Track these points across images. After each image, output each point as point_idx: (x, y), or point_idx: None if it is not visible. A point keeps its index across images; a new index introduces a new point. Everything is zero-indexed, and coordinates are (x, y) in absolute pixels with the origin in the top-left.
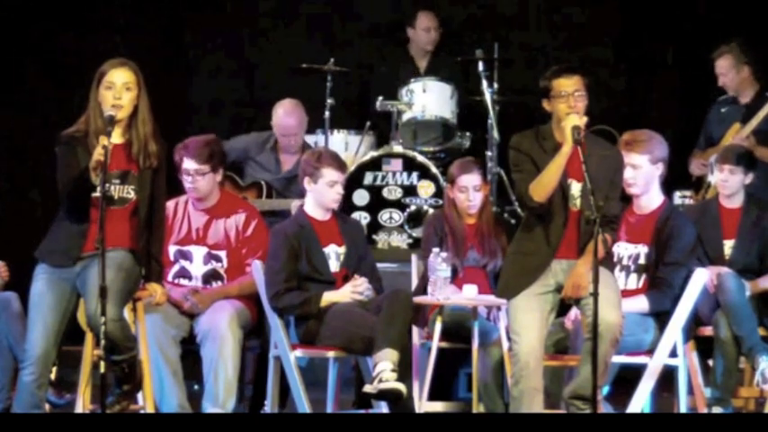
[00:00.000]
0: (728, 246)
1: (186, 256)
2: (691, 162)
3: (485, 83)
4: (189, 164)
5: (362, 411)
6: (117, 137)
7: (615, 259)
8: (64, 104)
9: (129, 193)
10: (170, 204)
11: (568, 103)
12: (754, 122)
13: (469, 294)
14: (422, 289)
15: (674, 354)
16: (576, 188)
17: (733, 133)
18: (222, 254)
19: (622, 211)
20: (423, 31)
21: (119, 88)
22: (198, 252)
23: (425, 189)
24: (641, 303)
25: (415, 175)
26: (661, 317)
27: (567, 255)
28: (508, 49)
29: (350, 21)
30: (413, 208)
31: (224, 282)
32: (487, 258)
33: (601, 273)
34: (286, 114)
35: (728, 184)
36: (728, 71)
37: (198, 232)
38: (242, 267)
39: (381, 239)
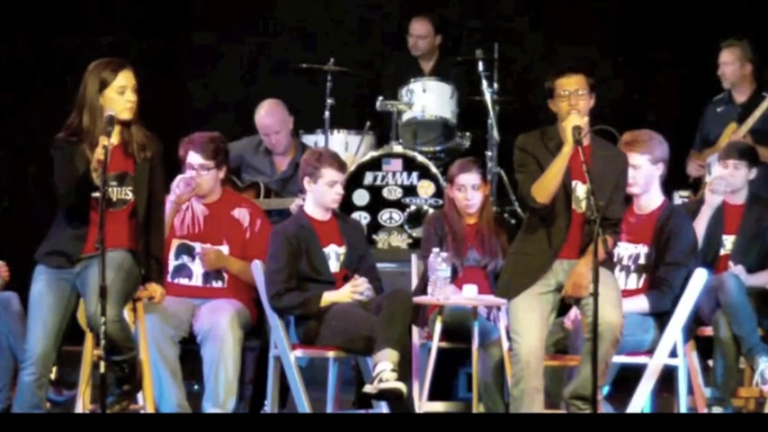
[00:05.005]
0: (729, 241)
1: (190, 251)
2: (688, 163)
3: (485, 83)
4: (194, 158)
5: (362, 411)
6: (113, 138)
7: (615, 259)
8: (64, 105)
9: (128, 194)
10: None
11: (569, 102)
12: (751, 122)
13: (469, 294)
14: (422, 289)
15: (674, 354)
16: (580, 190)
17: (729, 133)
18: (223, 251)
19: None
20: (410, 38)
21: (130, 91)
22: (200, 249)
23: (425, 189)
24: (641, 303)
25: (415, 175)
26: (661, 317)
27: (569, 255)
28: (508, 50)
29: (354, 21)
30: (413, 208)
31: (224, 282)
32: (488, 258)
33: (601, 273)
34: (266, 114)
35: (733, 179)
36: (733, 63)
37: (200, 227)
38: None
39: (381, 239)
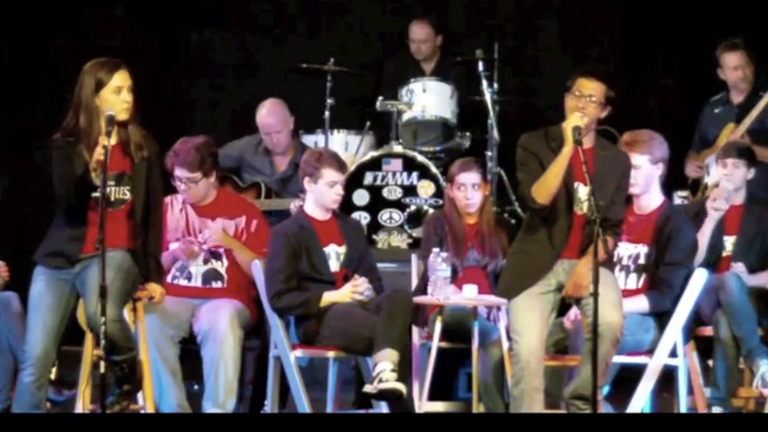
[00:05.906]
0: (729, 242)
1: None
2: (686, 164)
3: (485, 83)
4: (180, 172)
5: (362, 411)
6: (112, 137)
7: (615, 259)
8: (64, 105)
9: (126, 194)
10: (167, 200)
11: (578, 103)
12: (748, 122)
13: (469, 294)
14: (422, 289)
15: (674, 354)
16: (582, 191)
17: (727, 134)
18: (222, 252)
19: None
20: (413, 44)
21: (126, 92)
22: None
23: (425, 189)
24: (641, 303)
25: (415, 175)
26: (661, 317)
27: (570, 255)
28: (508, 50)
29: (354, 21)
30: (413, 208)
31: (224, 282)
32: (488, 258)
33: (601, 273)
34: (267, 113)
35: (733, 178)
36: (744, 66)
37: (195, 230)
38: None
39: (381, 239)
